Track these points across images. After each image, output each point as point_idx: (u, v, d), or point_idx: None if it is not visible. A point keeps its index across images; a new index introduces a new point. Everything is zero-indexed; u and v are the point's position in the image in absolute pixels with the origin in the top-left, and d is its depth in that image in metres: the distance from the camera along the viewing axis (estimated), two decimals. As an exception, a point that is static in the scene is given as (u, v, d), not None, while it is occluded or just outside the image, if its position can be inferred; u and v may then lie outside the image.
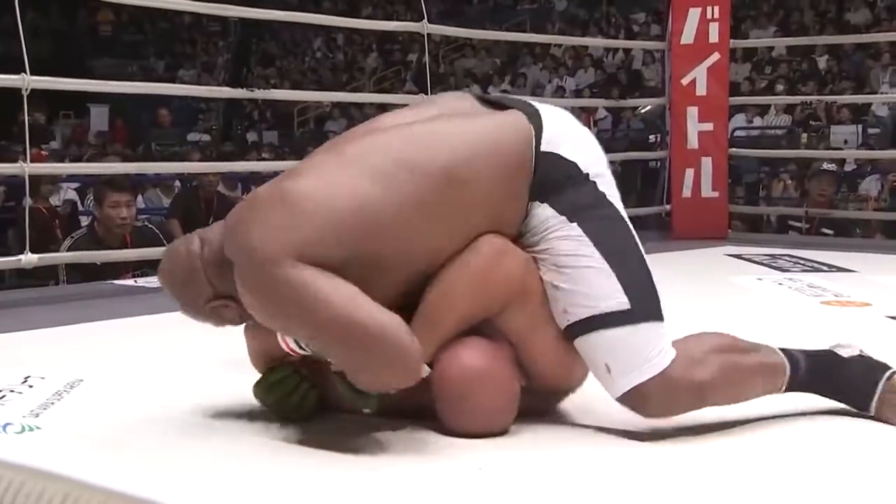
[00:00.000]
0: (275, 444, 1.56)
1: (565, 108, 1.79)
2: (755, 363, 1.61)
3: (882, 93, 9.65)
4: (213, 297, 1.58)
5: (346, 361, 1.47)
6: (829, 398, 1.67)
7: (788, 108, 10.34)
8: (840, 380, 1.65)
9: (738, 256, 3.99)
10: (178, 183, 6.88)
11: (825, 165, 5.27)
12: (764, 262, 3.78)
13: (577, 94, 11.88)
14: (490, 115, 1.63)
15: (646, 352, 1.52)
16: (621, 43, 12.02)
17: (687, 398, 1.55)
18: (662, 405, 1.53)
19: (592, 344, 1.54)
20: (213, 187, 5.59)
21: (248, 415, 1.72)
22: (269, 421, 1.69)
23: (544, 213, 1.57)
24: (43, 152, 8.14)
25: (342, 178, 1.49)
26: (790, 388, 1.64)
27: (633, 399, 1.52)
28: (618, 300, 1.52)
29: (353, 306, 1.42)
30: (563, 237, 1.56)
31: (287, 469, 1.44)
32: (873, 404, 1.63)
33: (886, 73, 10.46)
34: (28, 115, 3.23)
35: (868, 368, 1.67)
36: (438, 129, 1.57)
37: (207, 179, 5.53)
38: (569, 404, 1.70)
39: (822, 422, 1.66)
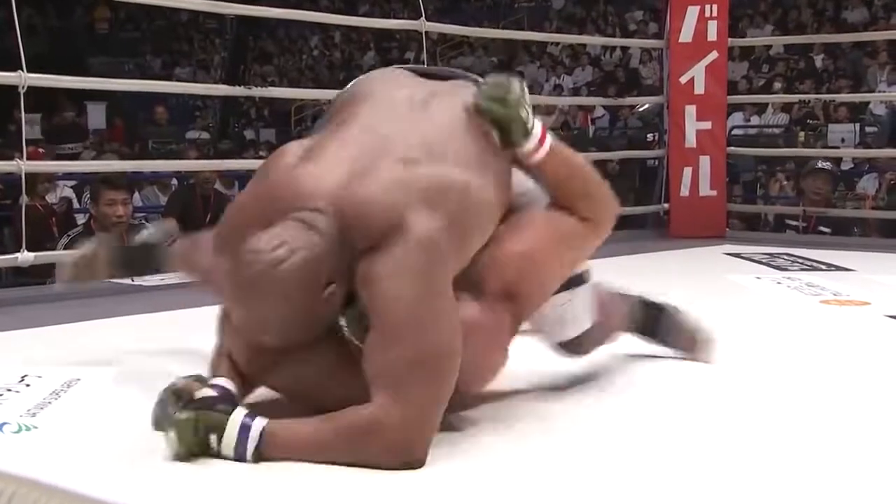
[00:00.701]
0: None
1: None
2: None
3: (879, 91, 9.65)
4: (327, 284, 1.48)
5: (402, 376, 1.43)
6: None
7: (786, 107, 10.34)
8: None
9: (737, 255, 3.99)
10: (175, 181, 6.87)
11: (819, 164, 5.26)
12: (762, 260, 3.78)
13: (575, 92, 11.87)
14: (469, 87, 1.72)
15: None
16: (619, 41, 12.02)
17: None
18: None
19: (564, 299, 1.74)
20: (209, 185, 5.58)
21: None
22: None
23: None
24: (40, 150, 8.11)
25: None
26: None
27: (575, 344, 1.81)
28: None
29: (455, 343, 1.46)
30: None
31: (290, 474, 1.43)
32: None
33: (884, 71, 10.46)
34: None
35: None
36: None
37: (204, 177, 5.51)
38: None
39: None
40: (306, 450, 1.43)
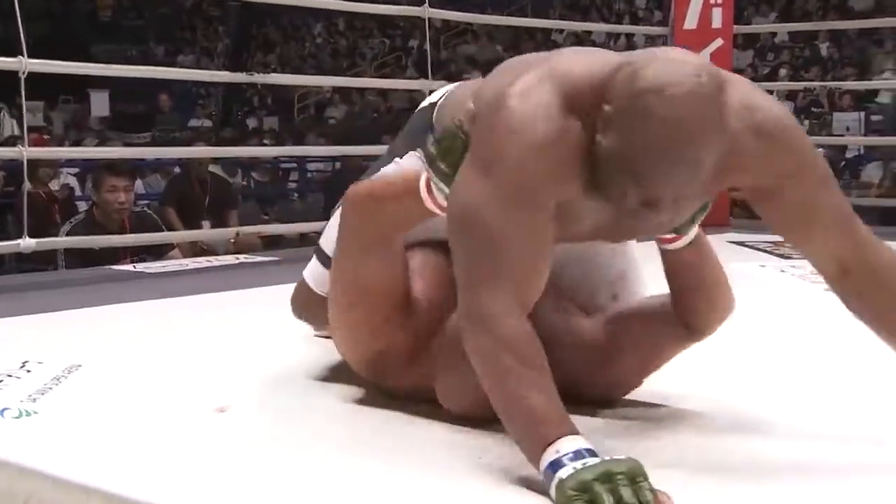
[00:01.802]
0: (278, 438, 1.53)
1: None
2: None
3: (885, 79, 9.61)
4: None
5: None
6: None
7: (791, 95, 10.31)
8: None
9: (741, 244, 3.97)
10: (178, 169, 6.87)
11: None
12: (766, 249, 3.76)
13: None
14: None
15: None
16: (624, 28, 11.95)
17: None
18: None
19: None
20: (204, 168, 5.56)
21: (253, 405, 1.70)
22: (275, 412, 1.68)
23: None
24: (44, 136, 8.12)
25: None
26: None
27: None
28: None
29: None
30: None
31: (286, 465, 1.42)
32: None
33: (889, 59, 10.42)
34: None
35: None
36: None
37: (199, 161, 5.50)
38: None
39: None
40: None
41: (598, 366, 1.60)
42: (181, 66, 14.33)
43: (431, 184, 1.47)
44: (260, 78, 4.36)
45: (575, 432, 1.22)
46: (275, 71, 12.76)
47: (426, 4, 4.12)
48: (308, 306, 1.85)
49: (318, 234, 1.88)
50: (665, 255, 1.55)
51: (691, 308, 1.57)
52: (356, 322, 1.60)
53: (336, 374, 1.80)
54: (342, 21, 16.84)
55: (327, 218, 1.81)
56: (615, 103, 1.23)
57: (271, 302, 2.17)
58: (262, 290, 2.88)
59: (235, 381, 1.83)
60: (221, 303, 2.78)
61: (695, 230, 1.52)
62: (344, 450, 1.45)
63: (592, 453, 1.19)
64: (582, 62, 1.35)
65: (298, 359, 1.93)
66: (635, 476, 1.15)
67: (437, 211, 1.49)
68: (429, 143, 1.46)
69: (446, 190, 1.43)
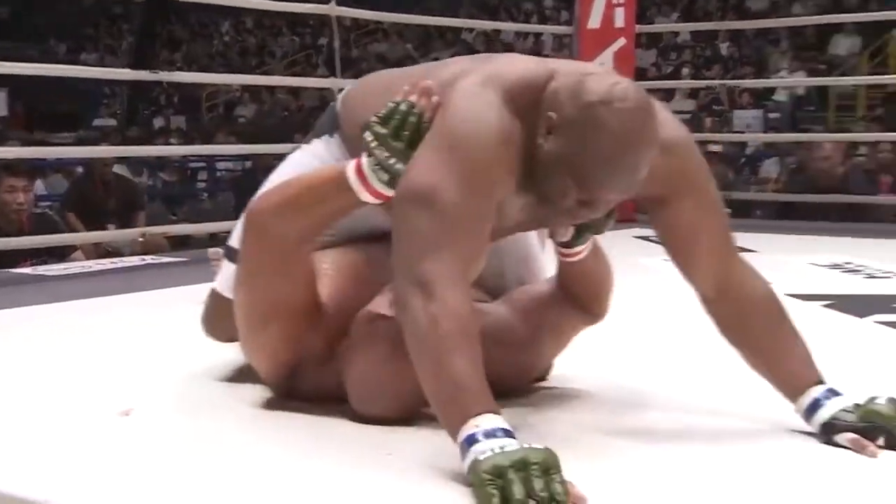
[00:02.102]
0: (183, 440, 1.51)
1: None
2: None
3: (781, 77, 9.92)
4: None
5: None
6: None
7: (693, 93, 10.56)
8: None
9: (646, 238, 4.04)
10: (80, 168, 6.68)
11: (710, 147, 5.38)
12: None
13: (488, 78, 11.89)
14: None
15: None
16: (531, 27, 12.10)
17: None
18: None
19: None
20: (109, 169, 5.40)
21: (158, 407, 1.67)
22: (180, 414, 1.65)
23: None
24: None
25: None
26: None
27: None
28: None
29: None
30: None
31: (190, 466, 1.39)
32: None
33: (784, 58, 10.76)
34: None
35: None
36: None
37: (102, 162, 5.34)
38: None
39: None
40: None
41: (519, 351, 1.63)
42: (85, 65, 13.94)
43: (366, 171, 1.45)
44: (165, 76, 4.27)
45: (496, 411, 1.23)
46: (180, 69, 12.52)
47: (332, 2, 4.09)
48: (223, 316, 1.73)
49: (229, 233, 1.84)
50: (564, 264, 1.61)
51: (587, 297, 1.65)
52: (270, 338, 1.57)
53: (242, 375, 1.77)
54: (250, 19, 16.61)
55: (237, 217, 1.77)
56: (563, 112, 1.33)
57: (178, 303, 2.13)
58: (168, 291, 2.82)
59: (140, 384, 1.79)
60: (126, 305, 2.71)
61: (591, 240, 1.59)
62: (249, 447, 1.43)
63: (510, 434, 1.20)
64: (516, 68, 1.43)
65: (204, 360, 1.89)
66: (549, 468, 1.16)
67: (371, 199, 1.46)
68: (372, 127, 1.44)
69: (396, 168, 1.41)
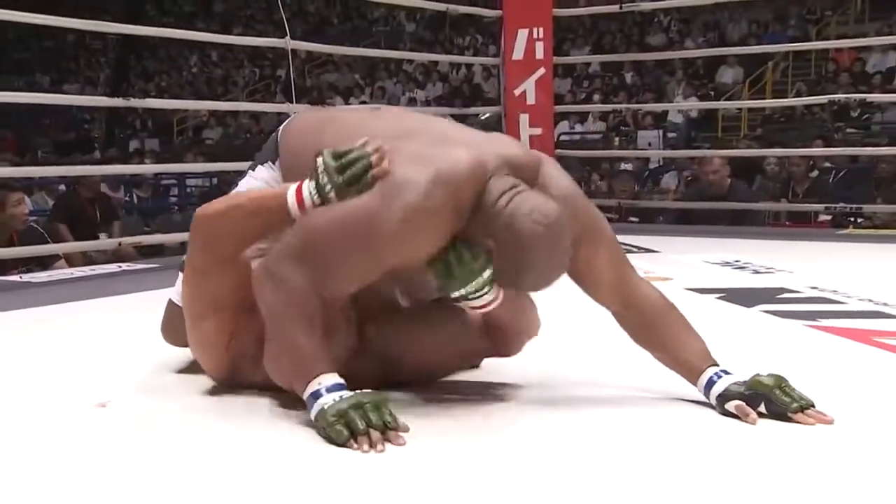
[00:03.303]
0: (150, 425, 1.46)
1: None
2: None
3: (676, 102, 10.10)
4: None
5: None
6: None
7: (603, 116, 10.68)
8: None
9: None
10: (62, 187, 6.51)
11: (622, 166, 5.47)
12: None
13: (427, 104, 11.93)
14: None
15: None
16: (464, 59, 12.11)
17: None
18: None
19: None
20: (95, 186, 5.26)
21: (131, 399, 1.61)
22: (149, 403, 1.60)
23: None
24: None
25: None
26: None
27: None
28: None
29: None
30: None
31: (155, 450, 1.35)
32: None
33: (679, 86, 10.97)
34: None
35: None
36: None
37: (91, 180, 5.21)
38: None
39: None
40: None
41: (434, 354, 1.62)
42: (67, 94, 13.58)
43: (304, 192, 1.43)
44: (138, 102, 4.17)
45: (333, 371, 1.36)
46: (153, 97, 12.29)
47: (288, 37, 4.06)
48: (178, 323, 1.67)
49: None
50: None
51: (497, 339, 1.65)
52: (207, 333, 1.55)
53: (198, 368, 1.72)
54: (215, 53, 16.42)
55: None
56: (500, 245, 1.37)
57: (150, 305, 2.07)
58: (142, 294, 2.75)
59: (114, 379, 1.74)
60: (103, 308, 2.64)
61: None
62: (206, 426, 1.41)
63: (344, 387, 1.35)
64: (461, 164, 1.40)
65: (169, 357, 1.83)
66: (379, 405, 1.33)
67: (296, 211, 1.45)
68: (325, 156, 1.42)
69: (329, 196, 1.41)
